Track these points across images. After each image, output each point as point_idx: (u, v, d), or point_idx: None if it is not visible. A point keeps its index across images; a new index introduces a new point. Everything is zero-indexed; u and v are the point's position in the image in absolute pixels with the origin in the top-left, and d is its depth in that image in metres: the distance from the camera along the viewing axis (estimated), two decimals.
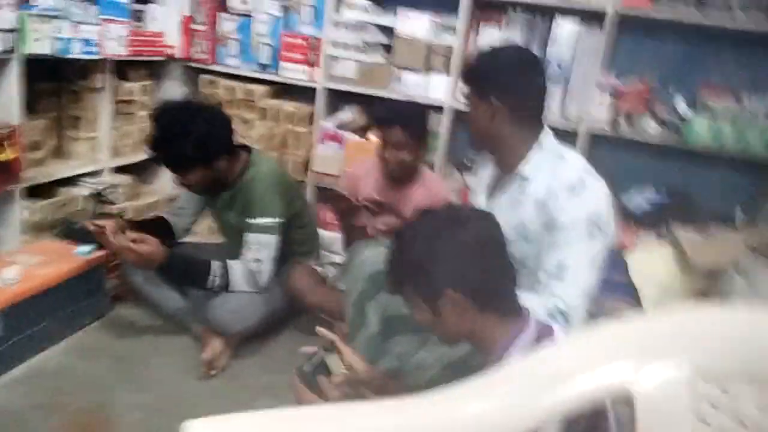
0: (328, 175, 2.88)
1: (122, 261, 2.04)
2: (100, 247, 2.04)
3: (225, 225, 2.16)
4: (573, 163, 1.40)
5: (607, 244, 1.35)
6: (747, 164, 2.49)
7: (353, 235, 2.05)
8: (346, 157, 2.83)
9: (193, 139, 1.83)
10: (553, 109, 2.64)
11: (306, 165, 2.94)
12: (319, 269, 2.28)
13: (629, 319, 0.68)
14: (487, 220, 1.18)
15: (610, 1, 2.44)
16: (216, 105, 2.04)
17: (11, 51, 2.01)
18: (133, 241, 1.82)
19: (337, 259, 2.45)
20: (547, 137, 1.44)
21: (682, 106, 2.52)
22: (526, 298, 1.30)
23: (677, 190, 2.65)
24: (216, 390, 1.84)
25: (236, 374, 1.94)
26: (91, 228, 1.90)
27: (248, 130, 2.94)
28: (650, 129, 2.56)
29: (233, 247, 2.12)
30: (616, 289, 2.07)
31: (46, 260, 1.95)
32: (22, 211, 2.18)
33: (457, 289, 1.04)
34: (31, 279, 1.83)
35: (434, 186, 2.13)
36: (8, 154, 2.02)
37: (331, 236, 2.71)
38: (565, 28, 2.59)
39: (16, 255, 1.97)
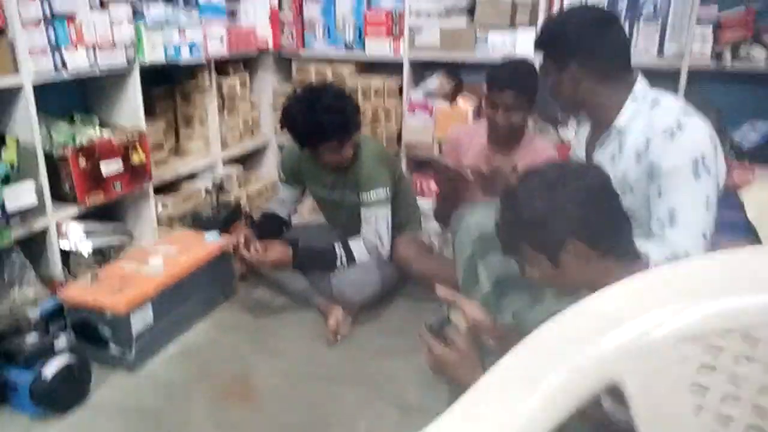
0: (419, 144, 2.95)
1: (260, 269, 2.23)
2: (224, 232, 2.24)
3: (332, 204, 2.28)
4: (668, 106, 1.37)
5: (716, 183, 1.32)
6: None
7: (449, 203, 2.05)
8: (436, 124, 2.87)
9: (347, 112, 1.98)
10: (650, 50, 2.53)
11: (398, 137, 3.02)
12: (424, 237, 2.37)
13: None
14: (596, 170, 1.20)
15: None
16: (335, 84, 2.19)
17: (132, 62, 2.22)
18: (264, 249, 2.01)
19: (432, 225, 2.51)
20: (639, 85, 1.41)
21: None
22: (643, 246, 1.31)
23: None
24: (341, 354, 1.99)
25: (357, 339, 2.08)
26: (227, 247, 2.15)
27: None
28: (758, 57, 2.38)
29: (338, 223, 2.25)
30: (735, 229, 1.99)
31: (182, 248, 2.17)
32: (155, 206, 2.43)
33: (580, 238, 1.08)
34: (173, 267, 2.05)
35: (542, 148, 2.11)
36: (139, 157, 2.26)
37: (427, 204, 2.78)
38: None
39: (157, 246, 2.21)
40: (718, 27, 2.42)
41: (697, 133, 1.32)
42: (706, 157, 1.30)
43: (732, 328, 0.52)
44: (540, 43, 1.50)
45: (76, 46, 1.98)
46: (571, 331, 0.59)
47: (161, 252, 2.12)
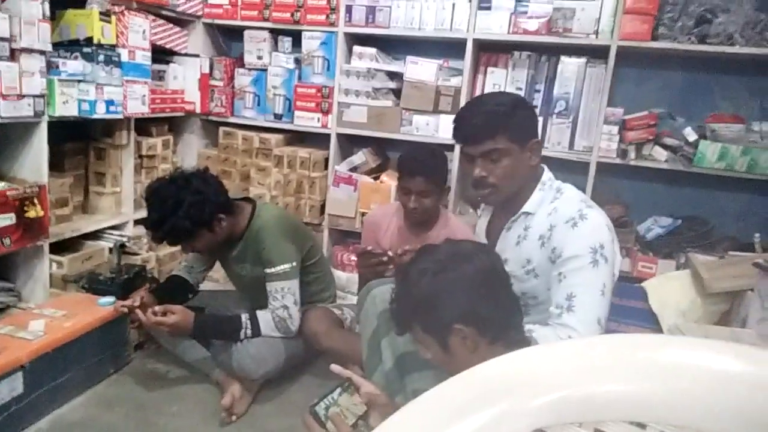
0: (343, 217, 2.94)
1: (156, 334, 2.10)
2: (123, 297, 2.10)
3: (238, 277, 2.18)
4: (571, 196, 1.43)
5: (612, 271, 1.35)
6: (758, 184, 2.46)
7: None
8: (360, 198, 2.88)
9: (184, 211, 1.85)
10: (562, 143, 2.67)
11: (322, 208, 3.00)
12: (336, 311, 2.29)
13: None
14: (487, 252, 1.20)
15: (612, 36, 2.49)
16: (202, 170, 2.05)
17: (40, 114, 2.13)
18: (162, 314, 1.88)
19: (353, 299, 2.46)
20: (546, 174, 1.48)
21: (689, 131, 2.52)
22: (539, 331, 1.31)
23: (692, 215, 2.64)
24: None
25: (256, 419, 1.94)
26: (121, 310, 1.99)
27: (265, 177, 3.03)
28: (659, 156, 2.56)
29: (249, 294, 2.16)
30: (636, 316, 2.05)
31: (70, 313, 2.01)
32: (50, 265, 2.26)
33: (466, 323, 1.05)
34: (55, 332, 1.88)
35: (457, 228, 2.13)
36: (37, 211, 2.12)
37: (347, 277, 2.75)
38: (570, 66, 2.64)
39: (43, 308, 2.04)
40: (623, 127, 2.60)
41: (597, 223, 1.37)
42: (605, 246, 1.34)
43: (580, 420, 0.49)
44: (455, 136, 1.54)
45: None
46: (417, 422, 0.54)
47: (46, 315, 1.95)
